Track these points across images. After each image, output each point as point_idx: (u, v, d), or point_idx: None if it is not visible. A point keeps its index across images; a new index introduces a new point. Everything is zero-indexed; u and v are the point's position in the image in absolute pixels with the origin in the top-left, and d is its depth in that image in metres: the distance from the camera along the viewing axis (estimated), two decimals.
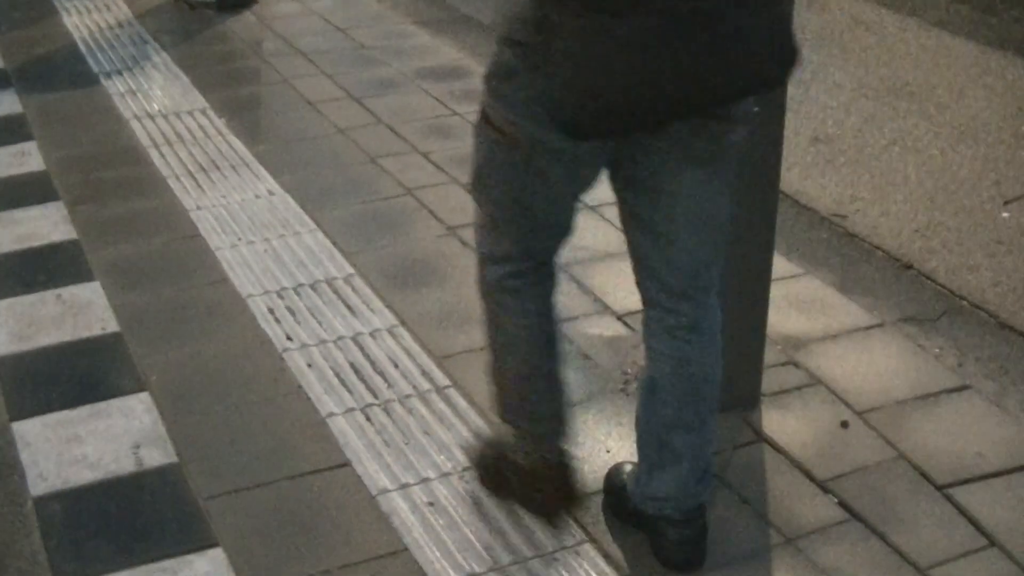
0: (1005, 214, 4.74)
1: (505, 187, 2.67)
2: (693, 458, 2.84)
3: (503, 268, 2.79)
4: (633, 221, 2.70)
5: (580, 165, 2.58)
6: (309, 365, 3.59)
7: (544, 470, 2.96)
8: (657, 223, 2.64)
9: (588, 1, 2.25)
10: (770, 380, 3.48)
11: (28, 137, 5.29)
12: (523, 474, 2.99)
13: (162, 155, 5.04)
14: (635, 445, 2.92)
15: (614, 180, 2.67)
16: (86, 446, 3.29)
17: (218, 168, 4.90)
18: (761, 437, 3.29)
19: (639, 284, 2.81)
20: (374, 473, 3.15)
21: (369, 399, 3.42)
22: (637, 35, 2.25)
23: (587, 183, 2.65)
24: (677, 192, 2.58)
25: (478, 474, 3.15)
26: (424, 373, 3.51)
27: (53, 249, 4.33)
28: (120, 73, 6.03)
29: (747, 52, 2.34)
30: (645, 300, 2.82)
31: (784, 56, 2.41)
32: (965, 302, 4.09)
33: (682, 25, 2.26)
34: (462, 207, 4.50)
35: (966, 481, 3.14)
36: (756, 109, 2.56)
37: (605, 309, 3.88)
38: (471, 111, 5.45)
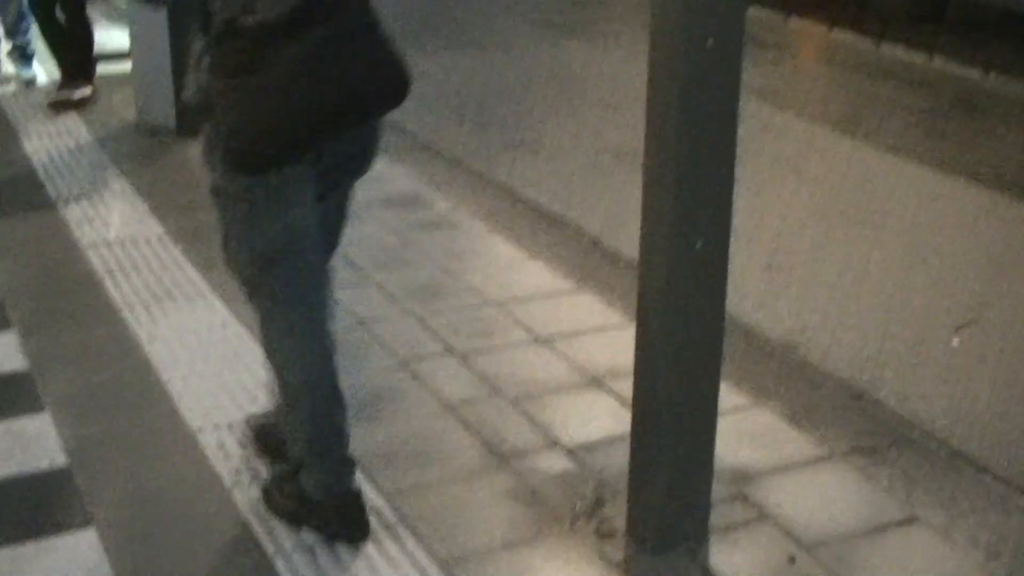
0: (956, 341, 4.78)
1: (252, 239, 3.16)
2: None
3: (286, 316, 3.26)
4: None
5: (293, 194, 3.12)
6: (258, 502, 3.57)
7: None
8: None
9: (227, 67, 2.95)
10: (718, 515, 3.48)
11: None
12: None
13: (117, 284, 5.04)
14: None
15: None
16: None
17: (172, 298, 4.90)
18: (708, 574, 3.28)
19: None
20: None
21: (316, 537, 3.40)
22: (265, 89, 2.93)
23: (308, 209, 3.18)
24: (335, 204, 3.39)
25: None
26: (373, 510, 3.49)
27: (4, 380, 4.32)
28: (78, 199, 6.05)
29: (362, 90, 3.06)
30: None
31: (395, 84, 3.10)
32: (916, 431, 4.10)
33: (304, 76, 2.94)
34: (414, 339, 4.52)
35: None
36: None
37: (554, 444, 3.88)
38: (428, 240, 5.49)
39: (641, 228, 3.19)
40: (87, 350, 4.51)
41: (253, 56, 2.92)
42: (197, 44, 3.08)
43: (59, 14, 7.60)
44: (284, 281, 3.22)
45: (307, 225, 3.19)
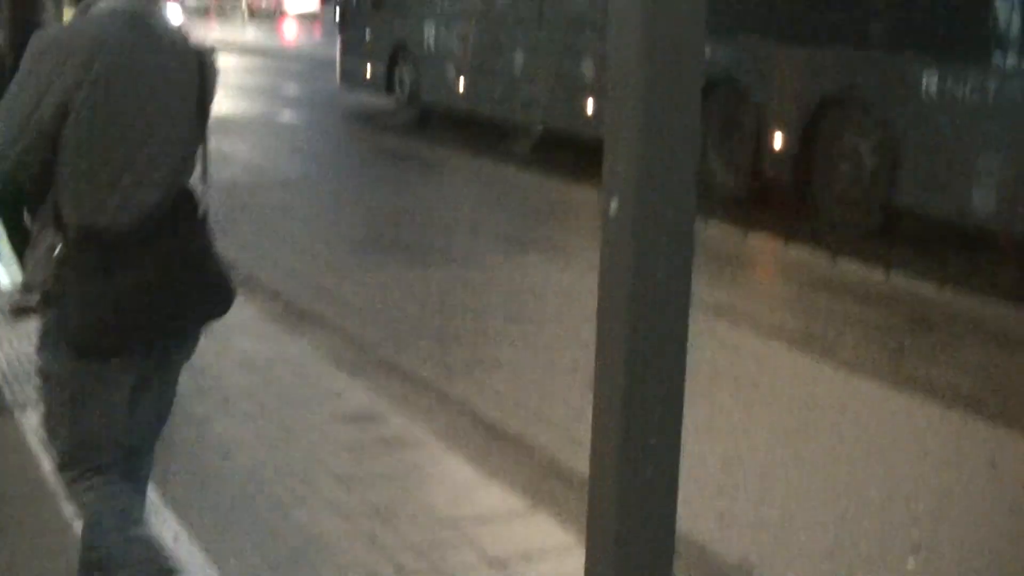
0: (911, 562, 4.77)
1: (72, 419, 3.52)
2: None
3: (101, 488, 3.56)
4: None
5: (118, 378, 3.52)
6: None
7: None
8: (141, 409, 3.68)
9: (82, 266, 3.35)
10: None
11: None
12: None
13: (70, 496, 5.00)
14: None
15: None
16: None
17: None
18: None
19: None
20: None
21: None
22: (115, 290, 3.36)
23: (125, 395, 3.56)
24: (157, 390, 3.71)
25: None
26: None
27: None
28: (35, 405, 6.00)
29: (193, 301, 3.57)
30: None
31: (223, 298, 3.66)
32: None
33: (149, 284, 3.41)
34: (366, 560, 4.49)
35: None
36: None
37: None
38: (383, 458, 5.48)
39: (590, 454, 3.19)
40: (38, 562, 4.46)
41: (106, 260, 3.37)
42: (47, 236, 3.46)
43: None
44: (99, 456, 3.56)
45: (122, 410, 3.57)
